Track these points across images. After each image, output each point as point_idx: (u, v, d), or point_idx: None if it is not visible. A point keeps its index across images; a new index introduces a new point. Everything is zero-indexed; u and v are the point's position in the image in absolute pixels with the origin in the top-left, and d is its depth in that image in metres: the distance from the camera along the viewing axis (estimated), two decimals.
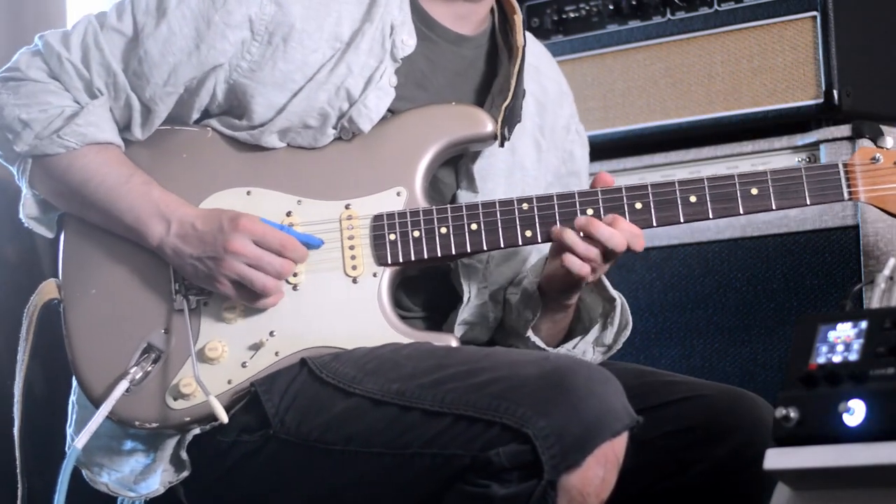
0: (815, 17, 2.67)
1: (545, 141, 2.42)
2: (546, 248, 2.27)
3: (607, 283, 2.29)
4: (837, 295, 2.60)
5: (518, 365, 2.01)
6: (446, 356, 2.09)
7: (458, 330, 2.29)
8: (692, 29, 2.80)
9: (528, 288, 2.28)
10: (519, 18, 2.33)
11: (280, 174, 2.22)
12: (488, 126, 2.24)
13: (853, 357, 1.82)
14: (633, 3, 2.86)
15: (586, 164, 2.51)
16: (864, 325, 1.84)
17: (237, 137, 2.23)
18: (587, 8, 2.93)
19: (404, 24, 2.25)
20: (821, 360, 1.84)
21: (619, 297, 2.30)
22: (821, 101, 2.65)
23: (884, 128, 2.62)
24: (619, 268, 2.87)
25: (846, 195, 2.19)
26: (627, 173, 2.86)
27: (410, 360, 2.08)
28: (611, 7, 2.89)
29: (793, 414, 1.81)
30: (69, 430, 2.27)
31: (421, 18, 2.29)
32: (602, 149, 2.83)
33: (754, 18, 2.73)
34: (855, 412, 1.77)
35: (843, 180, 2.19)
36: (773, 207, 2.19)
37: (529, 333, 2.28)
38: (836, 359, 1.83)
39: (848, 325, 1.85)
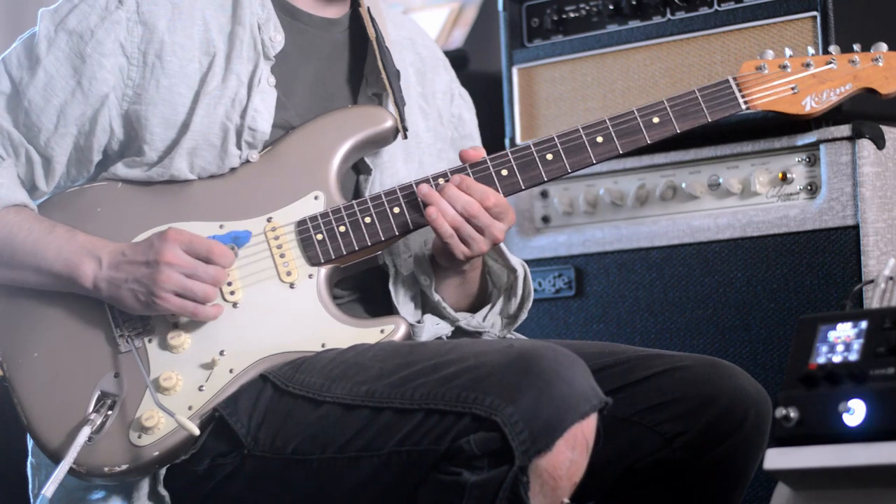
0: (815, 17, 2.66)
1: (428, 107, 2.45)
2: None
3: (507, 253, 2.31)
4: (837, 295, 2.60)
5: (484, 354, 2.02)
6: (411, 353, 2.09)
7: (407, 313, 2.28)
8: (692, 29, 2.80)
9: (417, 254, 2.31)
10: (364, 10, 2.34)
11: (197, 205, 2.22)
12: (388, 121, 2.27)
13: (853, 357, 1.82)
14: (633, 3, 2.86)
15: (476, 125, 2.54)
16: (864, 325, 1.84)
17: (148, 178, 2.22)
18: (587, 8, 2.93)
19: (269, 20, 2.27)
20: (821, 360, 1.84)
21: (520, 267, 2.33)
22: None
23: (884, 128, 2.62)
24: (620, 268, 2.88)
25: (743, 105, 2.29)
26: (628, 173, 2.86)
27: (377, 361, 2.09)
28: (611, 7, 2.89)
29: (793, 414, 1.81)
30: (31, 494, 2.25)
31: (284, 9, 2.31)
32: None
33: (754, 18, 2.73)
34: (855, 412, 1.77)
35: (737, 91, 2.29)
36: (678, 130, 2.27)
37: (438, 298, 2.28)
38: (836, 359, 1.83)
39: (848, 325, 1.85)
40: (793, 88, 2.29)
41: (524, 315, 2.36)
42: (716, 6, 2.77)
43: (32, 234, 2.18)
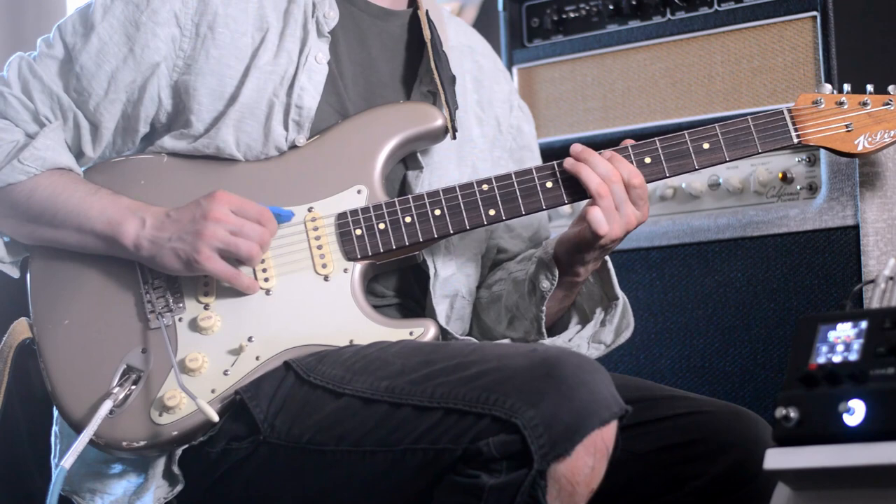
0: (815, 17, 2.67)
1: (485, 115, 2.45)
2: (514, 224, 2.36)
3: (615, 279, 2.31)
4: (837, 295, 2.60)
5: (507, 357, 2.02)
6: (434, 351, 2.09)
7: (441, 310, 2.29)
8: (692, 29, 2.81)
9: (543, 257, 2.29)
10: (422, 12, 2.35)
11: (240, 187, 2.22)
12: (438, 120, 2.27)
13: (853, 357, 1.82)
14: (633, 3, 2.86)
15: (534, 138, 2.54)
16: (864, 325, 1.84)
17: (194, 150, 2.23)
18: (587, 8, 2.94)
19: (324, 0, 2.28)
20: (821, 360, 1.84)
21: (622, 298, 2.32)
22: None
23: None
24: (620, 268, 2.87)
25: (795, 139, 2.28)
26: None
27: (399, 358, 2.09)
28: (611, 7, 2.89)
29: (793, 414, 1.81)
30: (53, 462, 2.25)
31: None
32: (602, 149, 2.83)
33: (754, 18, 2.74)
34: (855, 412, 1.77)
35: (791, 125, 2.27)
36: (727, 158, 2.25)
37: (544, 312, 2.27)
38: (836, 359, 1.83)
39: (848, 325, 1.85)
40: (847, 126, 2.27)
41: (618, 344, 2.35)
42: (716, 6, 2.78)
43: (77, 194, 2.19)
